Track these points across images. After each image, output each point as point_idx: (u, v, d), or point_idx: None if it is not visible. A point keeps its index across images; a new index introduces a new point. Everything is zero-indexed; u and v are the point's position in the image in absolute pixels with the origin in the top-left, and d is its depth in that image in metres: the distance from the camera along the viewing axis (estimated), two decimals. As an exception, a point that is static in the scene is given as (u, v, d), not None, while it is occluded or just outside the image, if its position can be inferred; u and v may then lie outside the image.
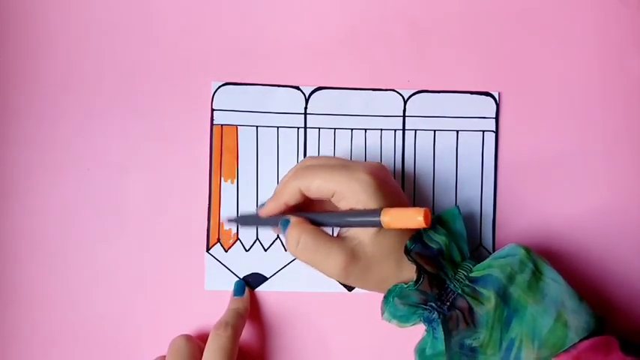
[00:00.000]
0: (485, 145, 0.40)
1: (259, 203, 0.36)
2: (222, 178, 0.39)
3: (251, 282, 0.39)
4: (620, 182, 0.40)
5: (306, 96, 0.40)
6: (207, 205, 0.39)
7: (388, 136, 0.40)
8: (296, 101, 0.40)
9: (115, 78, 0.39)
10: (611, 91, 0.40)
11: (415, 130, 0.40)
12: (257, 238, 0.39)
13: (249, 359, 0.39)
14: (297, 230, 0.33)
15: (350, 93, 0.40)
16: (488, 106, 0.40)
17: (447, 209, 0.37)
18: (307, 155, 0.39)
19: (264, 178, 0.39)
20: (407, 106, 0.40)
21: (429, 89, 0.40)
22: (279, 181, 0.35)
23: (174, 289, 0.39)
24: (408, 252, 0.33)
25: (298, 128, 0.40)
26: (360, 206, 0.32)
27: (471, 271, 0.34)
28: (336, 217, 0.33)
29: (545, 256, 0.34)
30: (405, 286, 0.33)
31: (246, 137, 0.39)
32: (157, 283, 0.39)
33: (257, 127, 0.40)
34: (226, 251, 0.39)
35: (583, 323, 0.32)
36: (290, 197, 0.34)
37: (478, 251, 0.40)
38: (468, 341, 0.32)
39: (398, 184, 0.36)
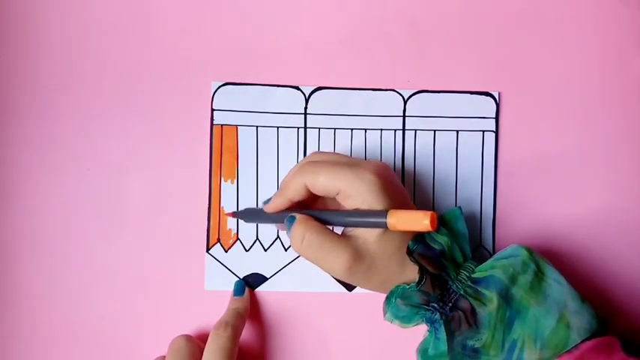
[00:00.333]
0: (485, 145, 0.40)
1: (264, 199, 0.36)
2: (222, 178, 0.39)
3: (251, 282, 0.39)
4: (620, 182, 0.40)
5: (306, 96, 0.40)
6: (207, 205, 0.39)
7: (388, 136, 0.40)
8: (296, 101, 0.40)
9: (115, 78, 0.39)
10: (611, 91, 0.40)
11: (415, 130, 0.40)
12: (257, 238, 0.39)
13: (249, 359, 0.39)
14: (302, 227, 0.33)
15: (350, 93, 0.40)
16: (488, 106, 0.40)
17: (449, 210, 0.37)
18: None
19: (264, 178, 0.39)
20: (407, 106, 0.40)
21: (429, 89, 0.40)
22: (283, 177, 0.35)
23: (174, 289, 0.39)
24: (410, 253, 0.33)
25: (298, 128, 0.40)
26: (365, 206, 0.32)
27: (474, 272, 0.34)
28: (341, 216, 0.33)
29: (545, 256, 0.34)
30: (408, 286, 0.33)
31: (246, 137, 0.39)
32: (156, 283, 0.39)
33: (257, 127, 0.40)
34: (226, 251, 0.39)
35: (585, 324, 0.32)
36: (295, 193, 0.34)
37: (478, 251, 0.40)
38: (470, 342, 0.32)
39: (402, 185, 0.36)
